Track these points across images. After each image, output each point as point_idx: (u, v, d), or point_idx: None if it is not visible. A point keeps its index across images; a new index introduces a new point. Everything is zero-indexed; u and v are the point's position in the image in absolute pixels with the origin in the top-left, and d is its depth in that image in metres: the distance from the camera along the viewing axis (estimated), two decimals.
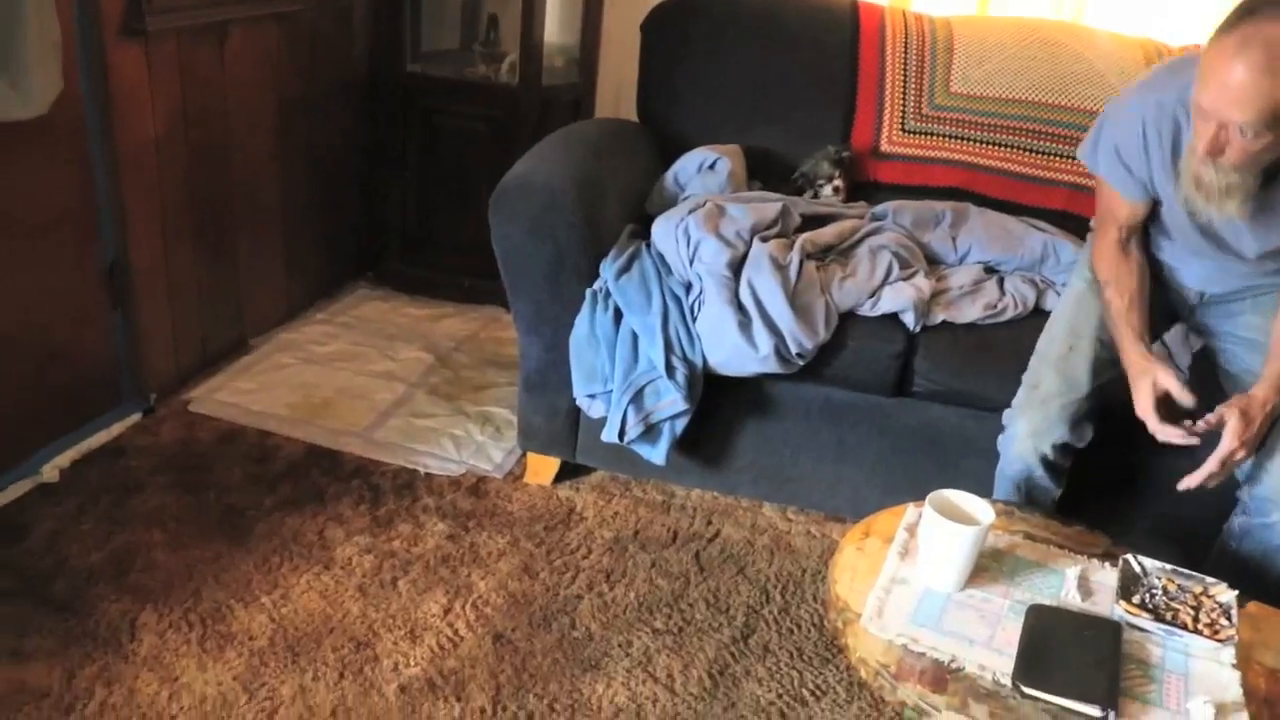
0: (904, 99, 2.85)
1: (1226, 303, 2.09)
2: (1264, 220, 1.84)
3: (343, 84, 3.40)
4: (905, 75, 2.85)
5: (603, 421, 2.33)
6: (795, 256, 2.32)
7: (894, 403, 2.36)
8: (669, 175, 2.68)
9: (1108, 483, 2.27)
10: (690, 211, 2.38)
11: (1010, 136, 2.82)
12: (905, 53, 2.87)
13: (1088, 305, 2.11)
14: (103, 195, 2.51)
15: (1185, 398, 1.86)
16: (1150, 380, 1.89)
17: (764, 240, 2.35)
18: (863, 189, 2.85)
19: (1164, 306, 2.15)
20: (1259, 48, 1.54)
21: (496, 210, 2.30)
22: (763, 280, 2.24)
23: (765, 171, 2.81)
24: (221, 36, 2.80)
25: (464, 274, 3.56)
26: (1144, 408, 1.89)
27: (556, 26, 3.50)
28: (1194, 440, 1.85)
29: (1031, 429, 2.04)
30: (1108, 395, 2.05)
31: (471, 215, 3.15)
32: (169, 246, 2.76)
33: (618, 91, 3.40)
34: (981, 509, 1.65)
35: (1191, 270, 2.09)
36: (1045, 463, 2.05)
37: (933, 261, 2.58)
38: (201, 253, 2.89)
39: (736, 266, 2.29)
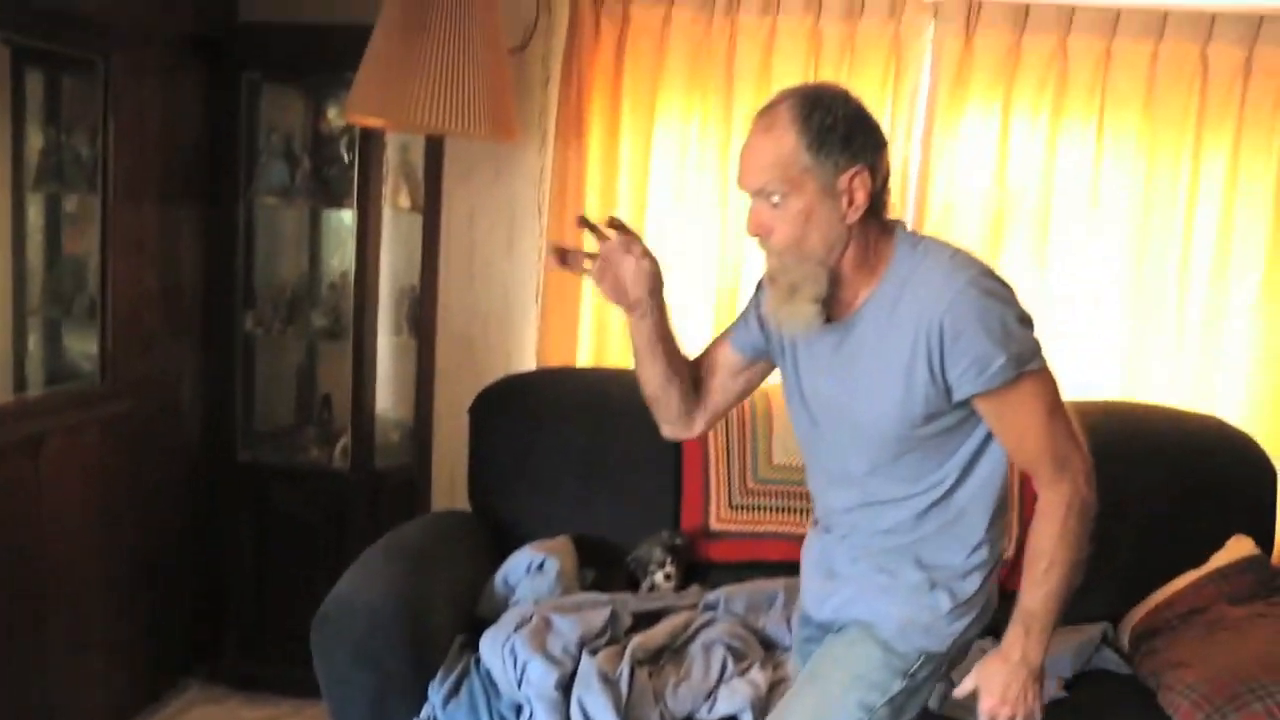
0: (728, 475, 2.93)
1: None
2: (847, 363, 1.67)
3: (171, 478, 3.32)
4: (728, 451, 2.94)
5: None
6: (625, 668, 2.28)
7: None
8: (499, 576, 2.66)
9: None
10: (517, 628, 2.34)
11: None
12: (727, 427, 2.97)
13: None
14: None
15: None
16: None
17: (593, 652, 2.32)
18: (698, 569, 2.86)
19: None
20: (761, 118, 1.61)
21: (319, 637, 2.22)
22: (593, 699, 2.19)
23: (598, 558, 2.81)
24: (34, 451, 2.72)
25: (304, 664, 3.38)
26: None
27: (392, 401, 3.54)
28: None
29: None
30: None
31: (311, 604, 3.04)
32: None
33: (452, 473, 3.41)
34: None
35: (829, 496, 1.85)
36: None
37: (769, 647, 2.57)
38: (8, 680, 2.67)
39: (566, 685, 2.24)
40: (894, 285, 1.61)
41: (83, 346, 2.98)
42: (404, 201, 3.45)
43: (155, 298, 3.18)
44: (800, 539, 2.81)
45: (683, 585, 2.79)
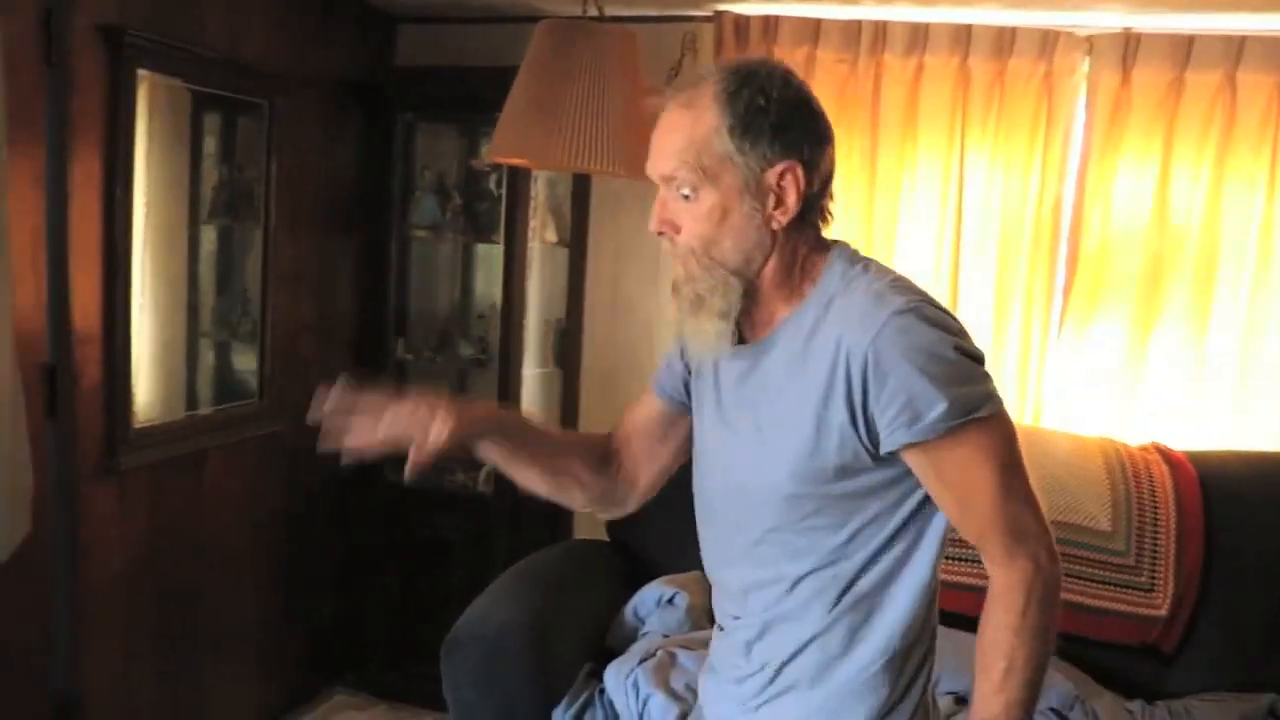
0: None
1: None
2: (752, 397, 1.39)
3: (322, 496, 3.47)
4: None
5: None
6: None
7: None
8: (629, 609, 2.67)
9: None
10: (642, 661, 2.35)
11: (968, 549, 2.80)
12: None
13: None
14: (61, 630, 2.50)
15: None
16: None
17: None
18: None
19: None
20: (681, 91, 1.34)
21: (448, 659, 2.28)
22: None
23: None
24: (199, 464, 2.89)
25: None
26: None
27: None
28: None
29: None
30: None
31: (450, 623, 3.13)
32: (131, 676, 2.71)
33: None
34: None
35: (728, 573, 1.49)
36: None
37: None
38: (167, 678, 2.84)
39: None
40: (817, 307, 1.33)
41: (247, 369, 3.15)
42: (551, 236, 3.54)
43: (312, 324, 3.35)
44: (955, 586, 2.77)
45: None
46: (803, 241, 1.35)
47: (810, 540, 1.34)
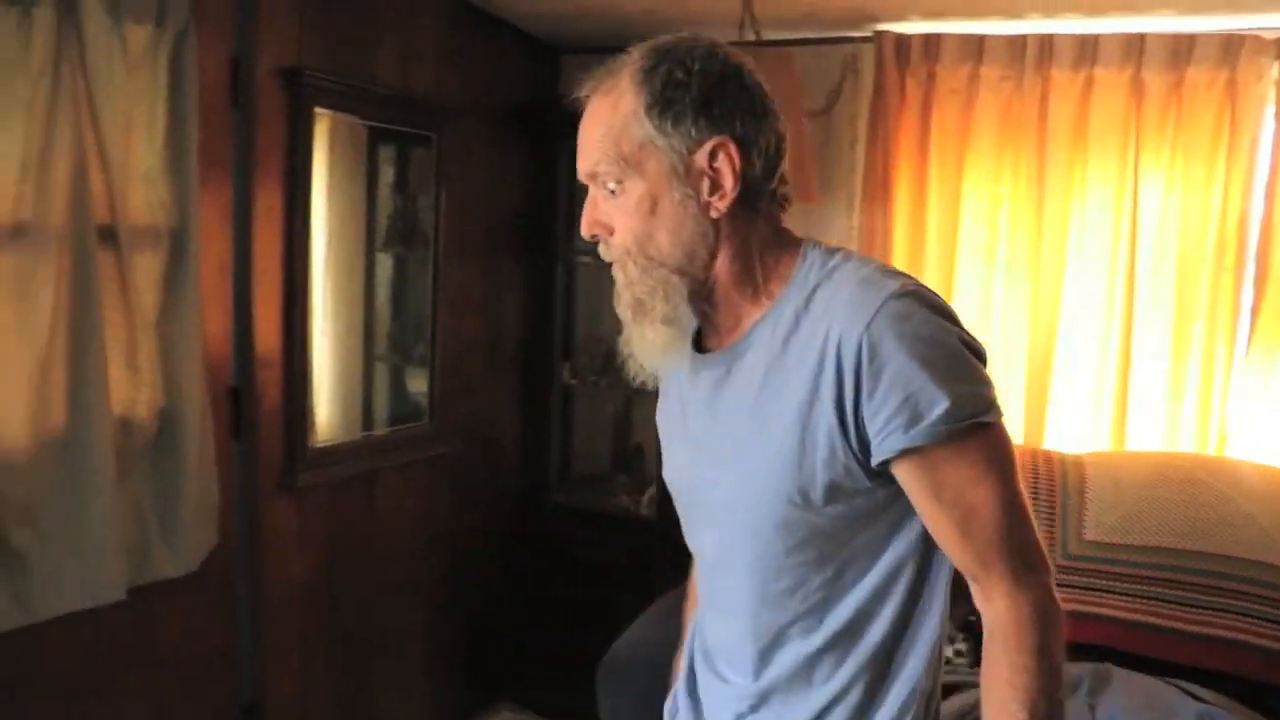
0: None
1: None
2: (727, 410, 1.23)
3: (489, 515, 3.58)
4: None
5: None
6: None
7: None
8: None
9: None
10: None
11: (1152, 587, 2.68)
12: (1034, 499, 2.82)
13: None
14: (245, 637, 2.64)
15: None
16: None
17: None
18: None
19: None
20: (602, 78, 1.21)
21: (604, 680, 2.31)
22: None
23: None
24: (371, 483, 3.02)
25: None
26: None
27: None
28: None
29: None
30: None
31: (611, 643, 3.17)
32: (307, 682, 2.84)
33: None
34: None
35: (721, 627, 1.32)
36: None
37: None
38: (340, 686, 2.97)
39: None
40: (796, 301, 1.17)
41: (418, 391, 3.28)
42: None
43: (479, 348, 3.46)
44: (1112, 622, 2.66)
45: (979, 663, 2.66)
46: (755, 232, 1.20)
47: (798, 578, 1.19)
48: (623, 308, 1.22)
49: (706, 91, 1.14)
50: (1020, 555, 1.12)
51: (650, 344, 1.20)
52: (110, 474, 2.12)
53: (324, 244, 2.81)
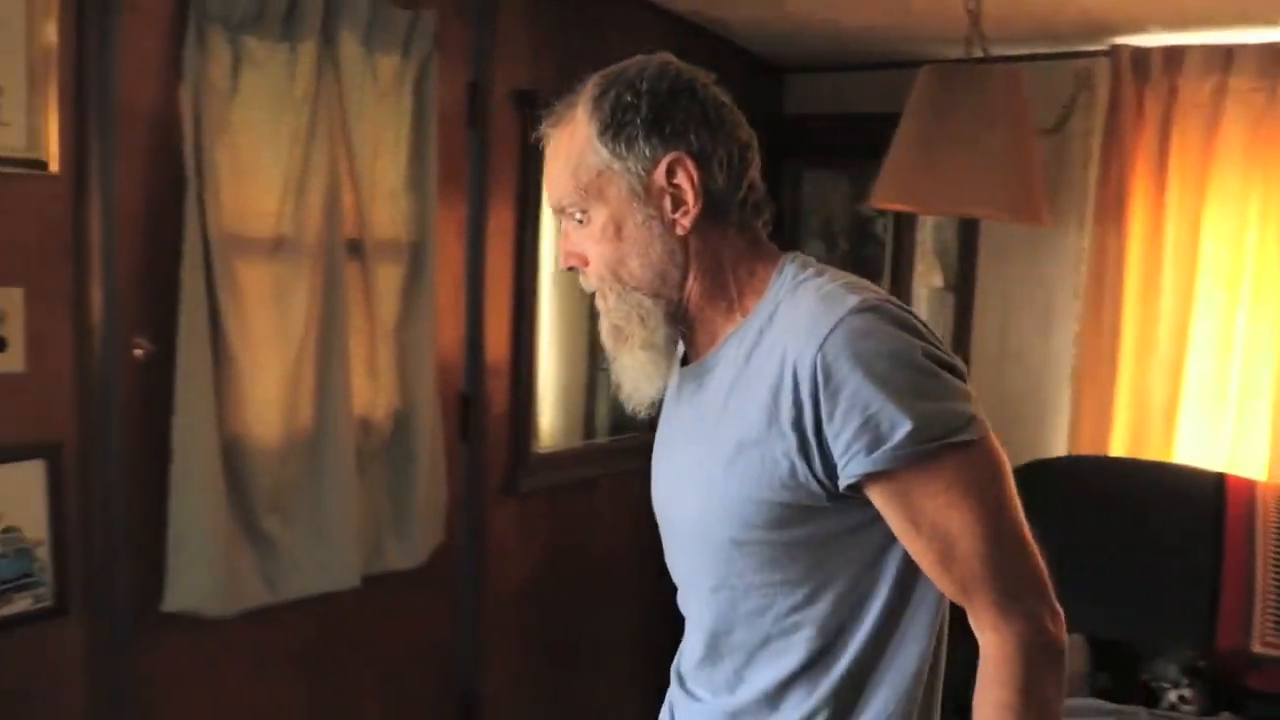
0: (1278, 596, 2.57)
1: None
2: (695, 427, 1.21)
3: None
4: (1279, 569, 2.59)
5: None
6: None
7: None
8: None
9: None
10: None
11: None
12: (1279, 541, 2.62)
13: None
14: (465, 630, 2.77)
15: None
16: None
17: None
18: (1232, 695, 2.54)
19: None
20: (562, 110, 1.20)
21: None
22: None
23: (1114, 663, 2.60)
24: (590, 490, 3.11)
25: None
26: None
27: None
28: None
29: None
30: None
31: None
32: (521, 677, 2.96)
33: None
34: None
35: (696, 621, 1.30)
36: None
37: None
38: (551, 683, 3.08)
39: None
40: (761, 318, 1.15)
41: None
42: (936, 280, 3.49)
43: None
44: None
45: (1210, 711, 2.49)
46: (727, 245, 1.18)
47: (765, 599, 1.15)
48: (604, 337, 1.21)
49: (656, 110, 1.13)
50: (1004, 587, 1.05)
51: (631, 371, 1.20)
52: (350, 470, 2.28)
53: (552, 259, 2.93)
